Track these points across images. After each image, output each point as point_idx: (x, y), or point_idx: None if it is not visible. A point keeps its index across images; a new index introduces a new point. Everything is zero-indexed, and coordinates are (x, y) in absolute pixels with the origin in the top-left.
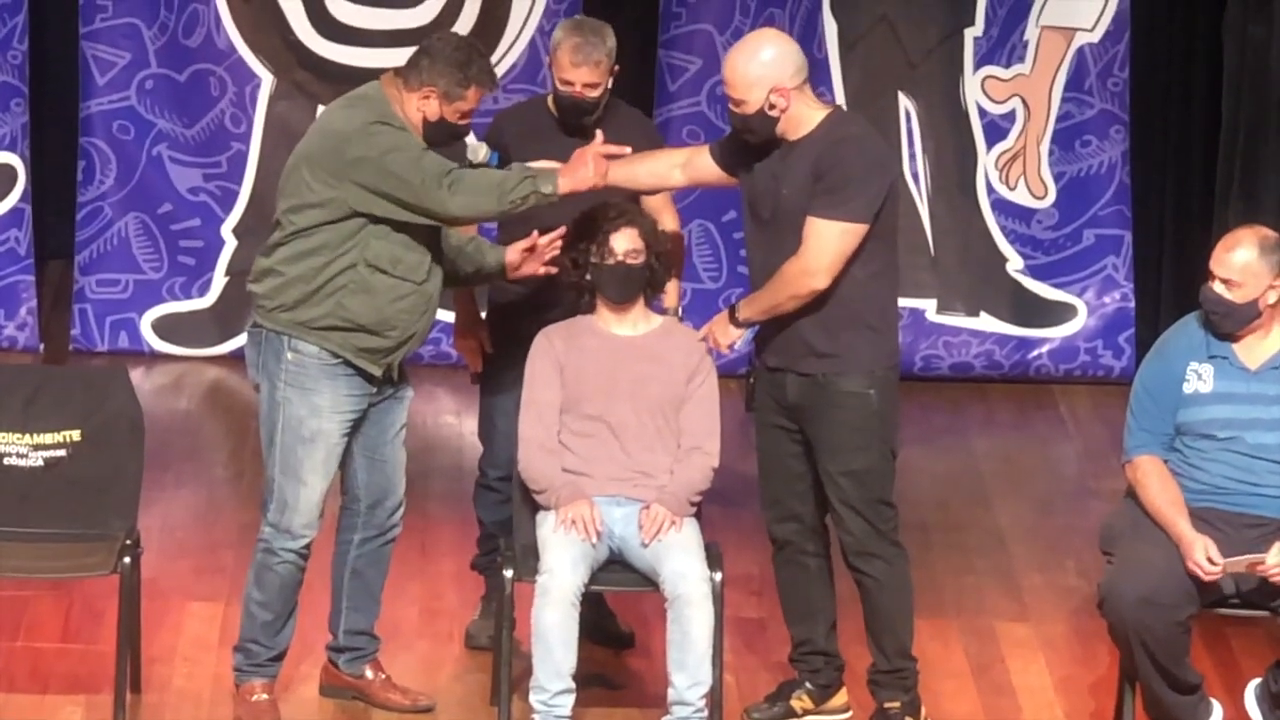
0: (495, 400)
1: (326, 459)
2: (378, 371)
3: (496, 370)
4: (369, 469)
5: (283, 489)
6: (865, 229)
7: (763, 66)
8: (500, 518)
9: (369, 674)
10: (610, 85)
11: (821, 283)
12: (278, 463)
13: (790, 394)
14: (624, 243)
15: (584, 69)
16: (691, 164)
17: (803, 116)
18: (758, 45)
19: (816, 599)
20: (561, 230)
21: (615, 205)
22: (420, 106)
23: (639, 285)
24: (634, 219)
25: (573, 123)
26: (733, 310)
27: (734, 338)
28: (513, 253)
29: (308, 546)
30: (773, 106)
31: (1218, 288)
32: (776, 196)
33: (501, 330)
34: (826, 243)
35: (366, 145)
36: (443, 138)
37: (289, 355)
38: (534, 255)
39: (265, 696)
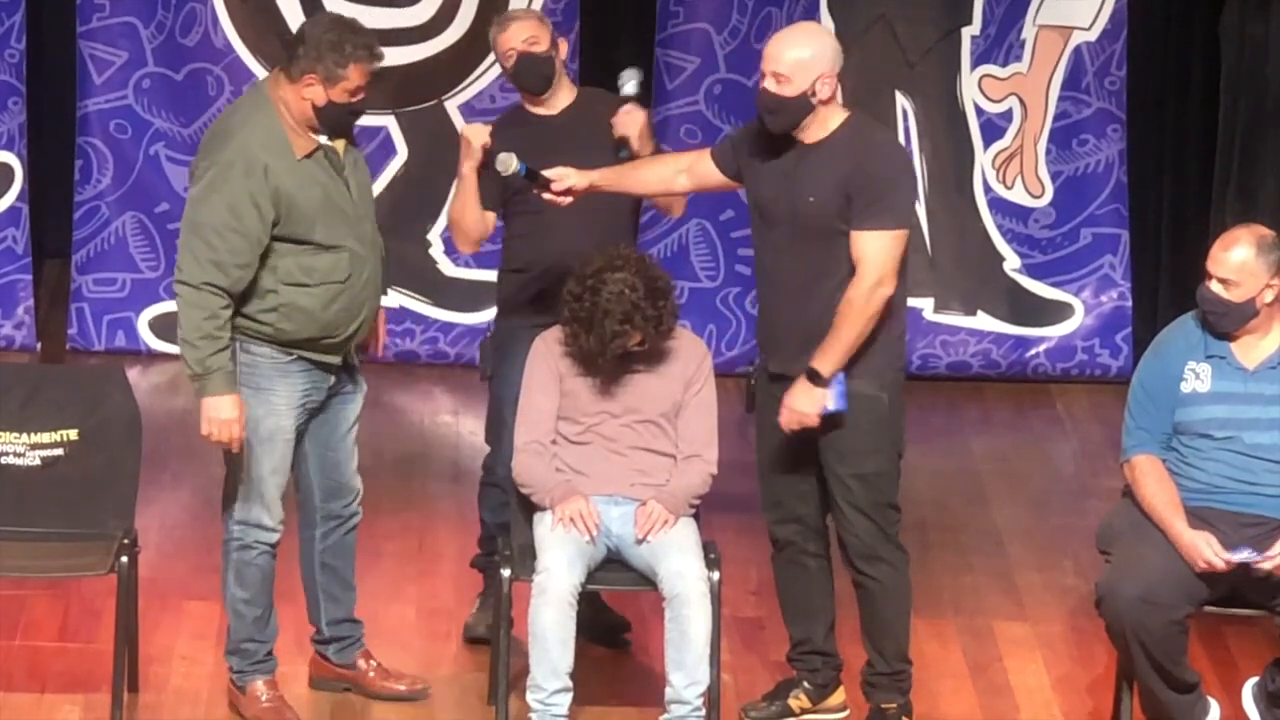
0: (506, 398)
1: (285, 454)
2: (336, 361)
3: (507, 369)
4: (321, 465)
5: (246, 487)
6: (908, 231)
7: (818, 50)
8: (503, 519)
9: (361, 664)
10: (564, 58)
11: (891, 289)
12: (238, 462)
13: None
14: (615, 305)
15: (514, 24)
16: (694, 170)
17: (825, 117)
18: (815, 31)
19: (816, 599)
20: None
21: (619, 256)
22: (306, 95)
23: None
24: (628, 273)
25: (537, 88)
26: (811, 373)
27: (822, 400)
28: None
29: (279, 538)
30: (814, 94)
31: (1215, 287)
32: (795, 201)
33: (510, 328)
34: (884, 253)
35: (204, 172)
36: (340, 120)
37: (242, 357)
38: None
39: (273, 693)
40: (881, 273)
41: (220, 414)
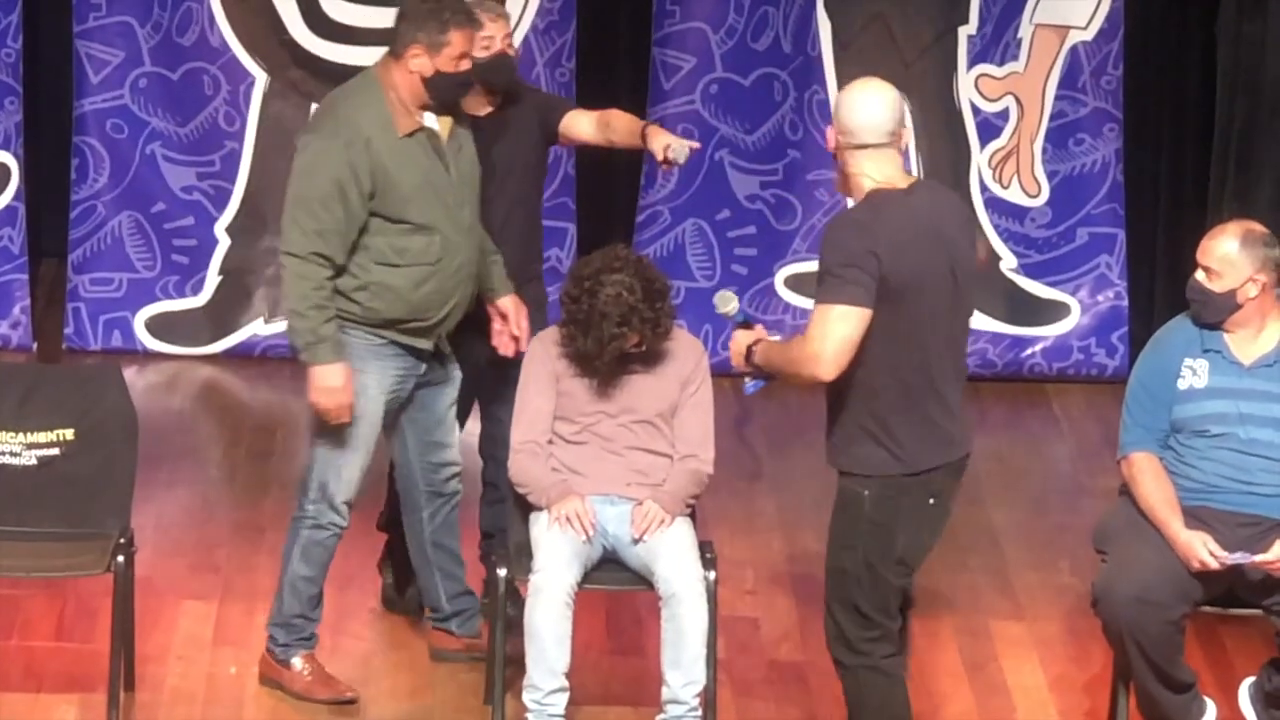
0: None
1: (369, 437)
2: (428, 346)
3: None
4: (422, 450)
5: (324, 467)
6: (860, 314)
7: (839, 106)
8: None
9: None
10: None
11: (822, 371)
12: (321, 439)
13: None
14: (613, 306)
15: (505, 20)
16: None
17: (854, 183)
18: (849, 88)
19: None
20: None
21: (618, 257)
22: (413, 68)
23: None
24: (626, 274)
25: (503, 89)
26: (751, 349)
27: (738, 351)
28: (495, 309)
29: (348, 521)
30: (835, 149)
31: (1199, 276)
32: None
33: None
34: (817, 327)
35: (307, 145)
36: (448, 90)
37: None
38: (504, 325)
39: (314, 665)
40: (816, 347)
41: (329, 382)
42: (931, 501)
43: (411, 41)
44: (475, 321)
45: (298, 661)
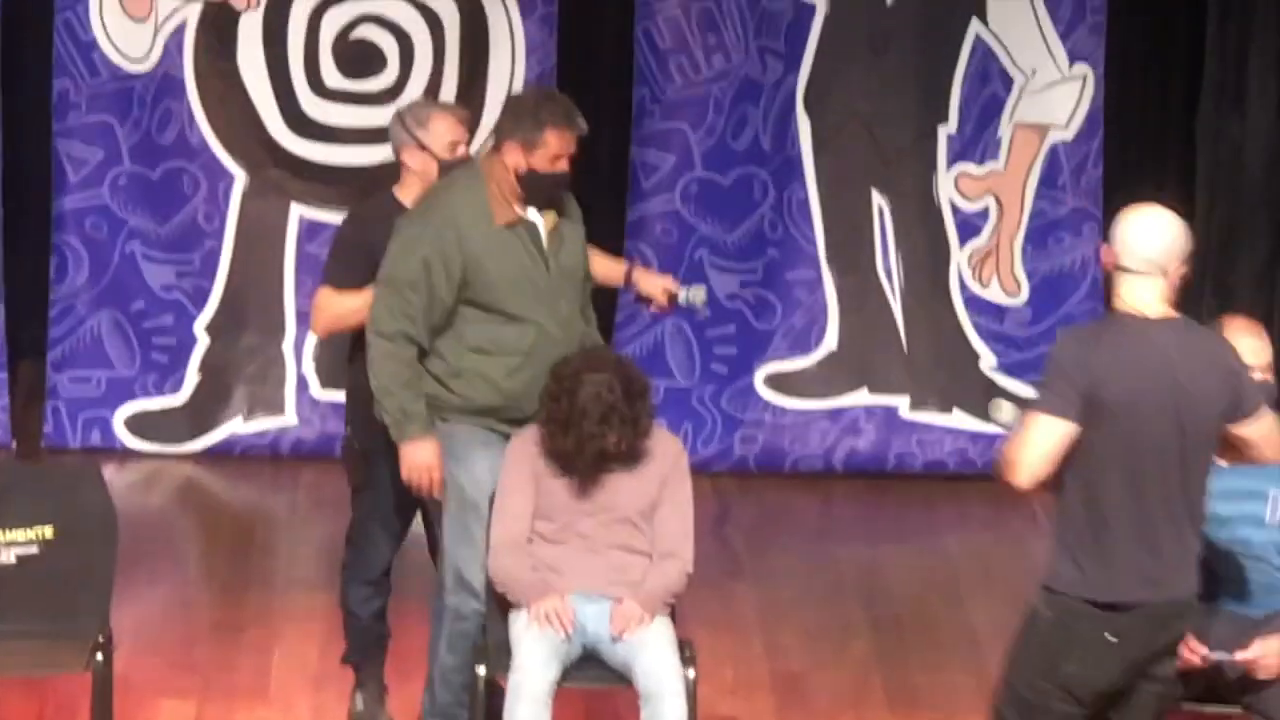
0: (377, 504)
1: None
2: None
3: (379, 475)
4: None
5: (456, 557)
6: (1062, 426)
7: (1117, 222)
8: (375, 608)
9: None
10: None
11: (1018, 477)
12: (449, 532)
13: None
14: (593, 405)
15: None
16: None
17: (1112, 299)
18: (1132, 209)
19: None
20: None
21: (598, 357)
22: (509, 164)
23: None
24: (606, 374)
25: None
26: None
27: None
28: None
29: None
30: (1107, 264)
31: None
32: None
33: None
34: (1020, 433)
35: (403, 229)
36: (542, 188)
37: (441, 427)
38: None
39: None
40: (1011, 452)
41: (419, 458)
42: (1110, 639)
43: (508, 137)
44: None
45: None
